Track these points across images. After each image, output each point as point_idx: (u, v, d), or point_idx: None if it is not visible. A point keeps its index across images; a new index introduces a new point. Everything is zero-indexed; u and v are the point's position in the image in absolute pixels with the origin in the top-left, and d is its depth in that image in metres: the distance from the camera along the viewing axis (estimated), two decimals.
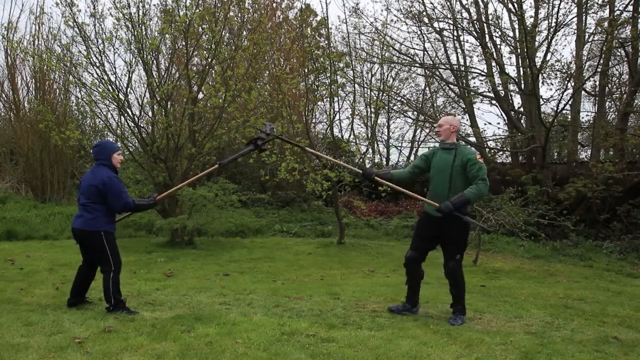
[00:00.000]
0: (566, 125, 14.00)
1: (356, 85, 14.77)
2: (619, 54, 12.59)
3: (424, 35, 13.96)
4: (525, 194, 11.01)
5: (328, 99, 10.81)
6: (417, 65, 14.41)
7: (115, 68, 9.39)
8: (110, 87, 9.17)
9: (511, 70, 13.26)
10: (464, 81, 13.96)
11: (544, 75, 12.96)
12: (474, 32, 13.16)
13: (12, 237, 9.45)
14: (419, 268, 4.79)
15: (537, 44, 12.58)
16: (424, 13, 13.30)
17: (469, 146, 4.69)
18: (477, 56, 14.11)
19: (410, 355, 3.54)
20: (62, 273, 6.37)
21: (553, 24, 11.77)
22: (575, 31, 12.21)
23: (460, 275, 4.58)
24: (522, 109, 13.75)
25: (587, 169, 11.09)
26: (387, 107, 15.65)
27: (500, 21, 13.13)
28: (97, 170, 4.53)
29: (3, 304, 4.71)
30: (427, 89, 16.28)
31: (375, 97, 12.09)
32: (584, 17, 12.19)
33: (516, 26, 12.62)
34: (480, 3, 12.69)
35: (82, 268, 4.72)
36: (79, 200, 4.59)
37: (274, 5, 15.71)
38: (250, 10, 12.38)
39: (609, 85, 13.84)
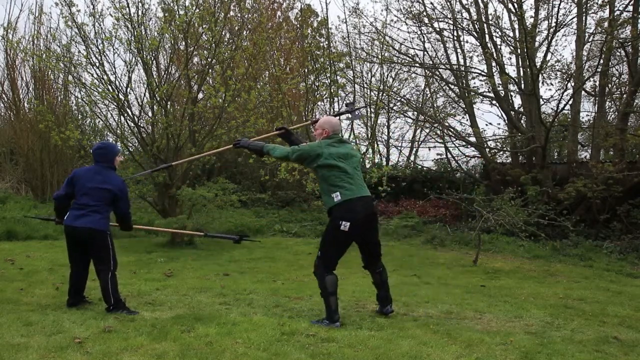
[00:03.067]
0: (566, 125, 13.99)
1: (356, 86, 14.83)
2: (619, 54, 12.57)
3: (424, 35, 13.94)
4: (525, 194, 11.00)
5: (328, 99, 10.83)
6: (417, 65, 14.39)
7: (115, 68, 9.41)
8: (110, 87, 9.17)
9: (511, 71, 13.26)
10: (464, 81, 13.94)
11: (544, 75, 12.95)
12: (474, 32, 13.14)
13: (12, 237, 9.44)
14: (369, 270, 4.77)
15: (537, 44, 12.57)
16: (424, 13, 13.28)
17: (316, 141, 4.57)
18: (477, 56, 14.07)
19: (410, 355, 3.54)
20: (62, 273, 6.35)
21: (553, 24, 11.78)
22: (575, 31, 12.19)
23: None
24: (522, 109, 13.74)
25: (587, 169, 11.07)
26: (387, 107, 15.64)
27: (500, 21, 13.09)
28: (107, 174, 4.62)
29: (3, 304, 4.71)
30: (427, 89, 16.27)
31: (375, 97, 12.09)
32: (584, 17, 12.18)
33: (516, 26, 12.60)
34: (480, 3, 12.68)
35: (73, 268, 4.71)
36: (79, 200, 4.55)
37: (275, 5, 15.73)
38: (250, 10, 12.39)
39: (609, 85, 13.82)
